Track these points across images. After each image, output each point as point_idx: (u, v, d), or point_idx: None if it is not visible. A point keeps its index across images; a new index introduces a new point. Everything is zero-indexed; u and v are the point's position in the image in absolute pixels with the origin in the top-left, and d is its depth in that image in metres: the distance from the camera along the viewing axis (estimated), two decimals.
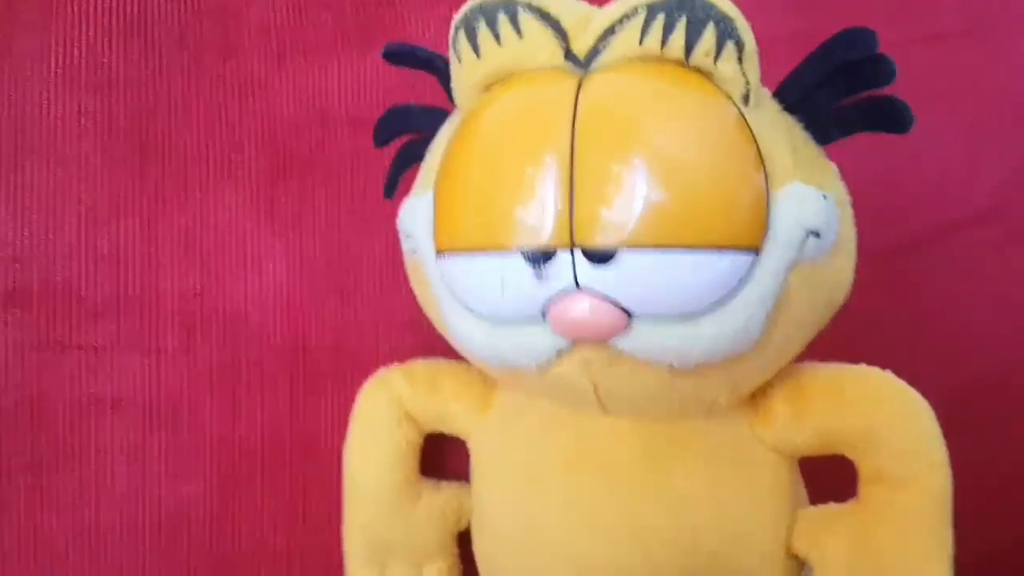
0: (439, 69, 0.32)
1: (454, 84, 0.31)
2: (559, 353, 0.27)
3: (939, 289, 0.47)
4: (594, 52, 0.28)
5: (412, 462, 0.38)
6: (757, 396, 0.32)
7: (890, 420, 0.30)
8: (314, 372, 0.40)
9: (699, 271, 0.25)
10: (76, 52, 0.40)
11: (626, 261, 0.25)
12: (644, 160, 0.25)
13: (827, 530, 0.31)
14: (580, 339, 0.27)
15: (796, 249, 0.27)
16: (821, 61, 0.29)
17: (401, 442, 0.37)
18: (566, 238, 0.25)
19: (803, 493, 0.33)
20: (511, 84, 0.29)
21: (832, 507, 0.32)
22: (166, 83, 0.41)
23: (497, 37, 0.28)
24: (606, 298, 0.25)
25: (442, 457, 0.39)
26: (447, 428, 0.37)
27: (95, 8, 0.40)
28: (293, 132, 0.41)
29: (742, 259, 0.26)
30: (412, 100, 0.42)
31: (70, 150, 0.39)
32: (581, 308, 0.26)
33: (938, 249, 0.48)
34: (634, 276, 0.25)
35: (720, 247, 0.26)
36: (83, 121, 0.39)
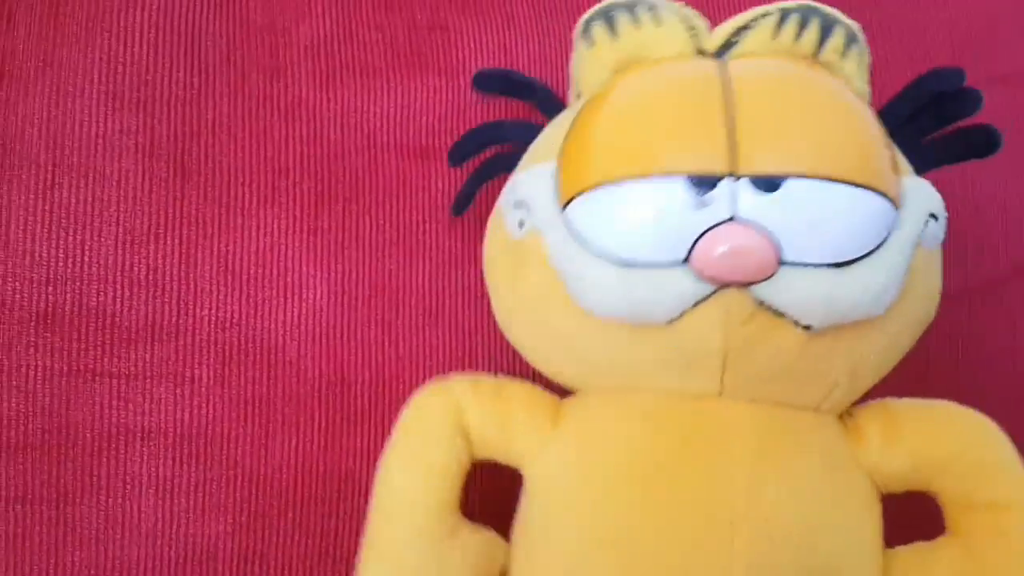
0: (534, 91, 0.32)
1: (579, 70, 0.31)
2: (696, 303, 0.26)
3: (1002, 335, 0.45)
4: (725, 47, 0.30)
5: (456, 488, 0.32)
6: (847, 420, 0.31)
7: (984, 444, 0.30)
8: (351, 407, 0.39)
9: (858, 208, 0.26)
10: (119, 68, 0.39)
11: (793, 188, 0.25)
12: (800, 107, 0.27)
13: (928, 569, 0.29)
14: (726, 276, 0.25)
15: (921, 224, 0.27)
16: (909, 97, 0.30)
17: (451, 460, 0.31)
18: (730, 165, 0.25)
19: None
20: (649, 63, 0.30)
21: (923, 545, 0.30)
22: (211, 102, 0.39)
23: (636, 21, 0.30)
24: (761, 233, 0.25)
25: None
26: (504, 450, 0.32)
27: (141, 24, 0.39)
28: (339, 157, 0.40)
29: (890, 209, 0.26)
30: (465, 130, 0.41)
31: (109, 169, 0.38)
32: (735, 239, 0.25)
33: (1002, 293, 0.46)
34: (799, 206, 0.25)
35: (878, 190, 0.26)
36: (124, 139, 0.38)
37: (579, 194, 0.27)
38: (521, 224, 0.30)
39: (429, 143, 0.41)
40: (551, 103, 0.34)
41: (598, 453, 0.30)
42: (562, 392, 0.33)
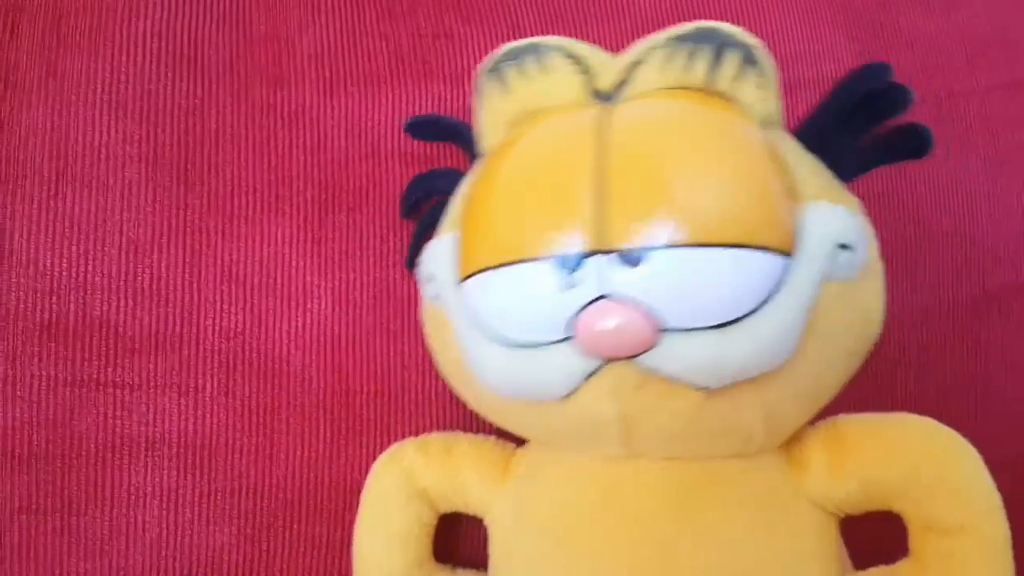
0: (463, 136, 0.32)
1: (479, 127, 0.31)
2: (585, 377, 0.26)
3: (1010, 348, 0.45)
4: (620, 86, 0.29)
5: (424, 544, 0.35)
6: (793, 446, 0.30)
7: (939, 464, 0.28)
8: (357, 417, 0.39)
9: (732, 270, 0.25)
10: (123, 77, 0.39)
11: (658, 260, 0.24)
12: (673, 167, 0.26)
13: None
14: (609, 354, 0.26)
15: (828, 260, 0.26)
16: (838, 97, 0.29)
17: (412, 522, 0.34)
18: (597, 240, 0.25)
19: (848, 561, 0.31)
20: (537, 117, 0.29)
21: (882, 570, 0.29)
22: (214, 111, 0.39)
23: (524, 74, 0.29)
24: (637, 307, 0.25)
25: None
26: (463, 503, 0.35)
27: (144, 33, 0.39)
28: (343, 166, 0.40)
29: (776, 261, 0.25)
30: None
31: (113, 178, 0.38)
32: (610, 317, 0.25)
33: (1012, 306, 0.45)
34: (667, 276, 0.25)
35: (753, 246, 0.25)
36: (127, 148, 0.38)
37: (470, 275, 0.28)
38: (435, 297, 0.31)
39: (433, 151, 0.41)
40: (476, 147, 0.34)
41: (530, 512, 0.32)
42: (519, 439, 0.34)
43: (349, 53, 0.41)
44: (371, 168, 0.40)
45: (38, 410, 0.36)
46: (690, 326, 0.25)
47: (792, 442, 0.30)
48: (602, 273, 0.25)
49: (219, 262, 0.38)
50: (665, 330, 0.25)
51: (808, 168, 0.28)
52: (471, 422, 0.38)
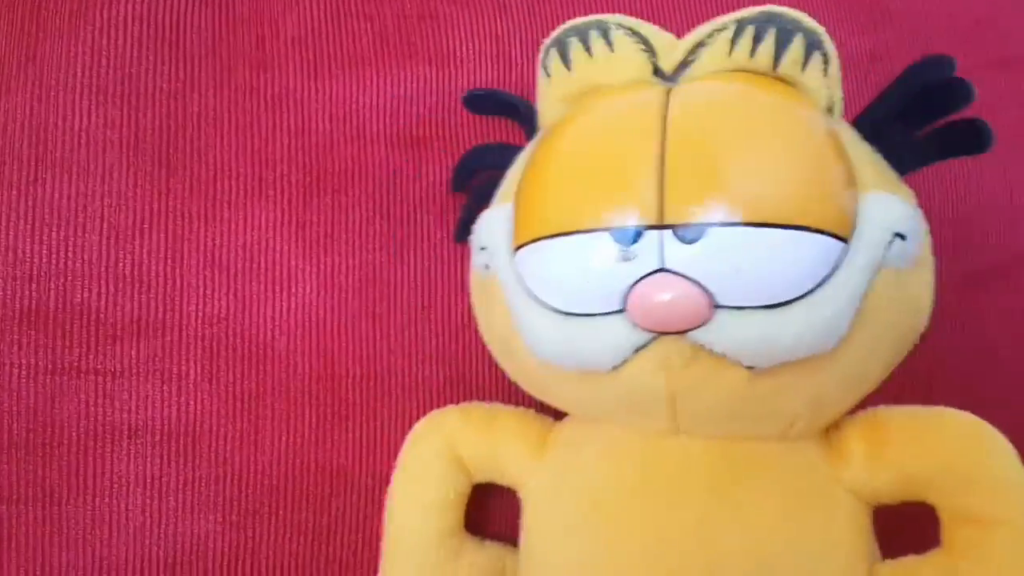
0: (519, 111, 0.32)
1: (540, 101, 0.31)
2: (636, 350, 0.26)
3: (1008, 323, 0.45)
4: (682, 66, 0.29)
5: (457, 513, 0.35)
6: (832, 434, 0.30)
7: (975, 457, 0.29)
8: (342, 402, 0.38)
9: (789, 251, 0.25)
10: (103, 61, 0.38)
11: (715, 238, 0.24)
12: (732, 148, 0.26)
13: None
14: (661, 327, 0.26)
15: (883, 248, 0.26)
16: (897, 90, 0.29)
17: (449, 489, 0.34)
18: (655, 216, 0.25)
19: (877, 551, 0.31)
20: (600, 94, 0.29)
21: (912, 559, 0.29)
22: (196, 95, 0.39)
23: (588, 50, 0.29)
24: (692, 282, 0.25)
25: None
26: (500, 474, 0.35)
27: (124, 16, 0.39)
28: (327, 149, 0.39)
29: (832, 245, 0.25)
30: (453, 119, 0.40)
31: (93, 163, 0.37)
32: (666, 290, 0.25)
33: (1007, 282, 0.45)
34: (723, 255, 0.25)
35: (810, 228, 0.25)
36: (108, 133, 0.38)
37: (524, 244, 0.28)
38: (486, 267, 0.31)
39: (419, 133, 0.40)
40: (533, 122, 0.33)
41: (568, 485, 0.32)
42: (557, 413, 0.34)
43: (333, 35, 0.41)
44: (356, 151, 0.40)
45: (18, 398, 0.35)
46: (743, 304, 0.25)
47: (832, 430, 0.30)
48: (659, 247, 0.25)
49: (202, 247, 0.38)
50: (718, 307, 0.25)
51: (867, 157, 0.28)
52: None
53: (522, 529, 0.33)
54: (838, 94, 0.28)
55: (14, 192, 0.36)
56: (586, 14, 0.30)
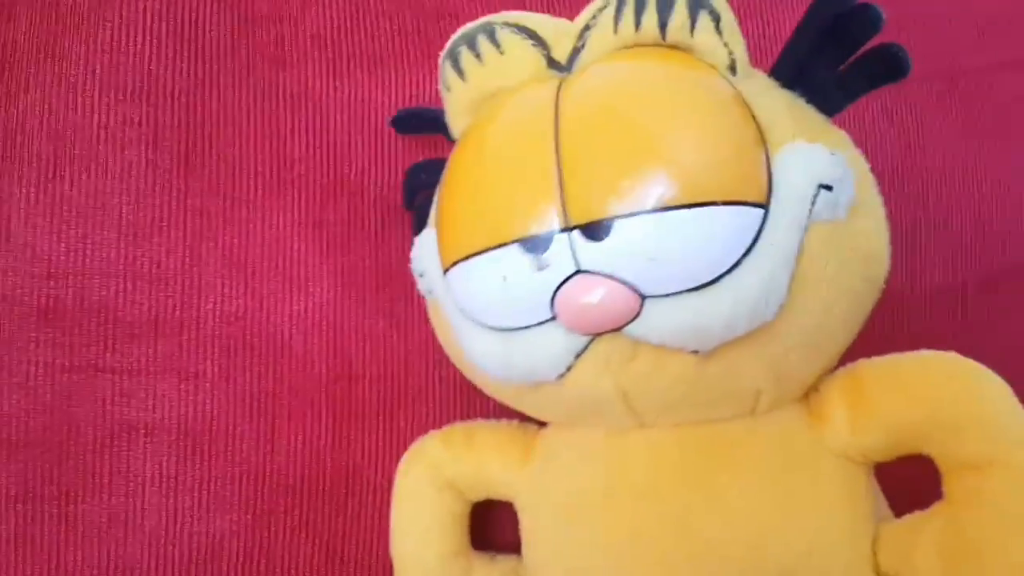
0: (445, 125, 0.32)
1: (447, 116, 0.31)
2: (576, 356, 0.26)
3: (1017, 329, 0.44)
4: (575, 53, 0.28)
5: (459, 534, 0.35)
6: (812, 397, 0.29)
7: (963, 400, 0.27)
8: (359, 402, 0.38)
9: (702, 230, 0.24)
10: (123, 59, 0.38)
11: (623, 231, 0.24)
12: (628, 133, 0.25)
13: (914, 542, 0.27)
14: (594, 328, 0.25)
15: (807, 203, 0.25)
16: (807, 28, 0.28)
17: (443, 513, 0.34)
18: (559, 220, 0.25)
19: (885, 507, 0.30)
20: (498, 100, 0.29)
21: (916, 515, 0.28)
22: (215, 93, 0.39)
23: (479, 57, 0.29)
24: (612, 277, 0.24)
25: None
26: (491, 490, 0.35)
27: (144, 13, 0.39)
28: (346, 149, 0.39)
29: (748, 213, 0.25)
30: None
31: (112, 161, 0.37)
32: (588, 291, 0.24)
33: (1020, 286, 0.44)
34: (636, 245, 0.24)
35: (722, 202, 0.24)
36: (127, 131, 0.37)
37: (450, 266, 0.28)
38: (429, 292, 0.31)
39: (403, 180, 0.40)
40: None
41: (551, 490, 0.31)
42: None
43: (352, 33, 0.41)
44: (374, 151, 0.40)
45: (35, 396, 0.35)
46: (669, 291, 0.24)
47: (811, 393, 0.29)
48: (570, 250, 0.25)
49: (220, 246, 0.37)
50: (645, 298, 0.24)
51: (782, 109, 0.27)
52: (474, 407, 0.38)
53: (522, 538, 0.33)
54: (739, 49, 0.27)
55: (32, 189, 0.36)
56: None
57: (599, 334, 0.26)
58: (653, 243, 0.24)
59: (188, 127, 0.38)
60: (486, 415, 0.36)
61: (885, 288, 0.29)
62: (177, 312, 0.37)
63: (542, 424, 0.34)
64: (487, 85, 0.29)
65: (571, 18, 0.30)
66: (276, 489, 0.37)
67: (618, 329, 0.25)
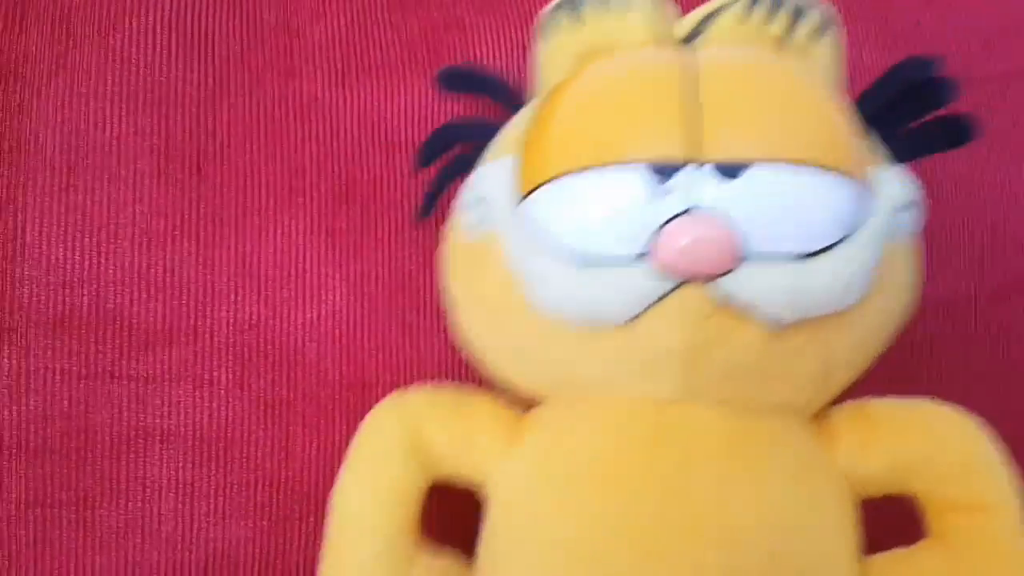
0: (498, 91, 0.31)
1: (542, 63, 0.30)
2: (654, 301, 0.25)
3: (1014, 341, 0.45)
4: (694, 34, 0.28)
5: (414, 511, 0.31)
6: (821, 423, 0.30)
7: (963, 446, 0.29)
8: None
9: (828, 194, 0.25)
10: (133, 69, 0.38)
11: (757, 175, 0.24)
12: (768, 89, 0.26)
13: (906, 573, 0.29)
14: (689, 270, 0.24)
15: (895, 214, 0.26)
16: (884, 85, 0.29)
17: (408, 483, 0.31)
18: (694, 149, 0.24)
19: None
20: (615, 52, 0.28)
21: (902, 551, 0.29)
22: (225, 103, 0.39)
23: (606, 3, 0.28)
24: (726, 220, 0.24)
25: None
26: (464, 466, 0.31)
27: (154, 24, 0.39)
28: (356, 156, 0.40)
29: (866, 194, 0.25)
30: None
31: (125, 171, 0.37)
32: (699, 229, 0.24)
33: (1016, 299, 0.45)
34: (763, 194, 0.24)
35: (848, 174, 0.25)
36: (139, 140, 0.38)
37: (538, 187, 0.27)
38: (479, 223, 0.29)
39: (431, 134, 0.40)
40: (516, 100, 0.33)
41: (561, 465, 0.29)
42: (525, 407, 0.32)
43: (360, 43, 0.41)
44: (385, 159, 0.40)
45: (52, 403, 0.36)
46: (774, 250, 0.24)
47: (820, 420, 0.30)
48: (696, 185, 0.24)
49: (233, 254, 0.38)
50: (747, 255, 0.24)
51: (867, 137, 0.29)
52: None
53: (488, 529, 0.31)
54: (840, 73, 0.29)
55: (46, 199, 0.37)
56: None
57: (686, 282, 0.25)
58: (783, 195, 0.24)
59: (199, 137, 0.38)
60: None
61: None
62: (191, 320, 0.37)
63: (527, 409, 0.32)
64: (603, 36, 0.29)
65: None
66: (291, 495, 0.37)
67: (708, 281, 0.25)
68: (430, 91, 0.41)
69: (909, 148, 0.29)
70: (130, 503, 0.36)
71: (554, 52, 0.30)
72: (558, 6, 0.30)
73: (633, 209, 0.24)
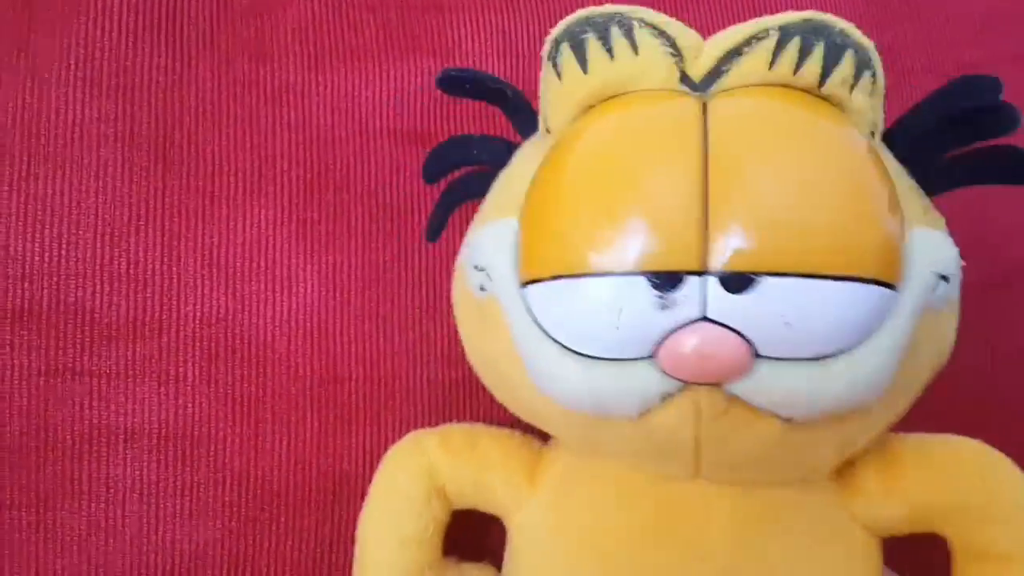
0: (506, 99, 0.30)
1: (547, 101, 0.28)
2: (665, 398, 0.24)
3: (1018, 330, 0.44)
4: (713, 75, 0.25)
5: (436, 545, 0.32)
6: (845, 468, 0.29)
7: (989, 491, 0.28)
8: (345, 405, 0.37)
9: (842, 304, 0.23)
10: (97, 53, 0.37)
11: (768, 289, 0.22)
12: (784, 184, 0.23)
13: None
14: (697, 377, 0.24)
15: (928, 292, 0.24)
16: (934, 109, 0.27)
17: (428, 523, 0.32)
18: (698, 260, 0.23)
19: None
20: (623, 102, 0.26)
21: None
22: (193, 88, 0.38)
23: (609, 51, 0.26)
24: (734, 332, 0.23)
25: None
26: (483, 502, 0.32)
27: (119, 7, 0.38)
28: (329, 144, 0.38)
29: (883, 295, 0.23)
30: (459, 113, 0.39)
31: (88, 159, 0.36)
32: (705, 341, 0.23)
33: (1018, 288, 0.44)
34: (773, 307, 0.22)
35: (866, 279, 0.23)
36: (102, 127, 0.36)
37: (537, 280, 0.25)
38: (482, 288, 0.28)
39: (423, 127, 0.39)
40: (522, 112, 0.31)
41: (571, 518, 0.30)
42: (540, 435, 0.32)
43: (335, 26, 0.40)
44: (359, 146, 0.39)
45: (11, 401, 0.34)
46: (788, 356, 0.23)
47: (843, 465, 0.29)
48: (702, 295, 0.23)
49: (200, 245, 0.37)
50: (758, 357, 0.23)
51: (908, 187, 0.26)
52: (462, 409, 0.37)
53: (510, 558, 0.32)
54: (881, 116, 0.26)
55: (6, 188, 0.35)
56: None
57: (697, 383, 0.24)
58: (791, 307, 0.23)
59: (165, 124, 0.37)
60: (475, 419, 0.35)
61: None
62: (156, 313, 0.36)
63: (544, 437, 0.33)
64: (611, 84, 0.26)
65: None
66: (260, 495, 0.36)
67: (721, 382, 0.24)
68: (408, 76, 0.39)
69: (955, 177, 0.28)
70: (92, 504, 0.35)
71: (558, 96, 0.27)
72: (560, 43, 0.27)
73: (636, 319, 0.23)
